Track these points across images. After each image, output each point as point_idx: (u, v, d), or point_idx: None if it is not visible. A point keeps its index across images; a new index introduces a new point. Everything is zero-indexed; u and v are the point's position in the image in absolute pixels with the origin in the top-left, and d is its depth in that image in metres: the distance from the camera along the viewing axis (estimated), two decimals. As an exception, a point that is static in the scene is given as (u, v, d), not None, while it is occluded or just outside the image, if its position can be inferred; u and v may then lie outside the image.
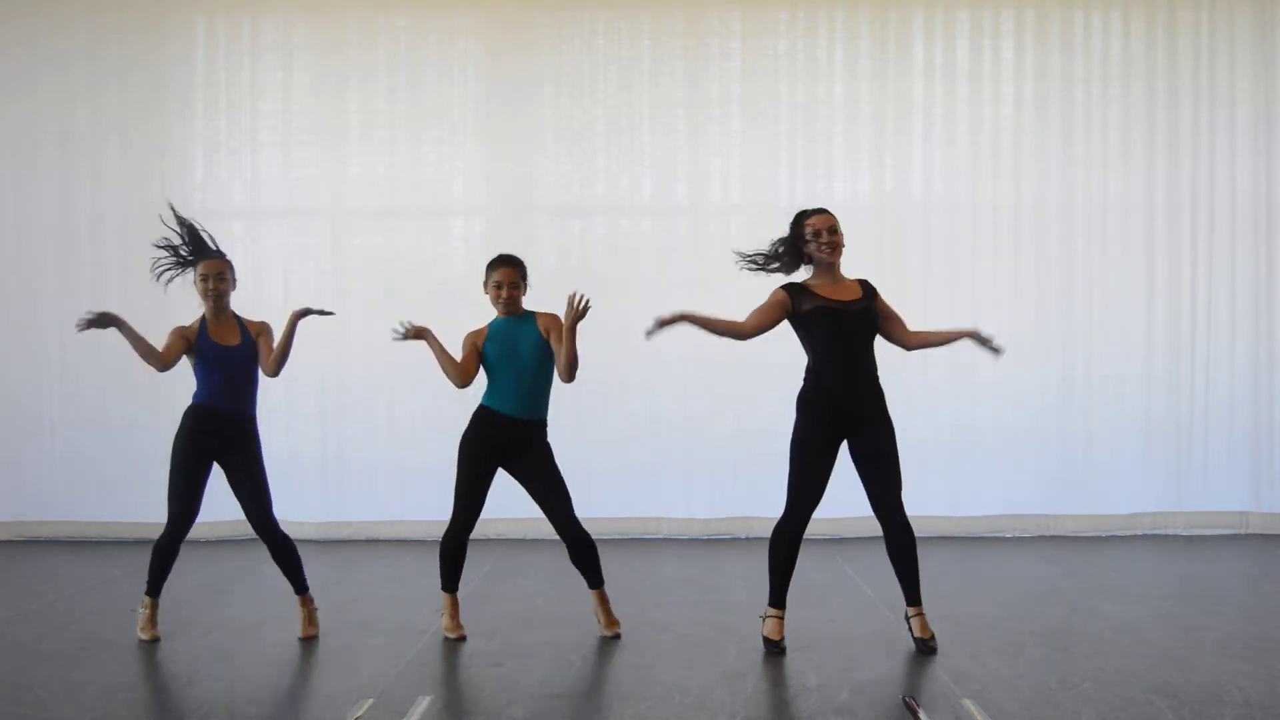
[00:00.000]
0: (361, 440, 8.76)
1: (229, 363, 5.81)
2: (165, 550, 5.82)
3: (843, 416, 5.45)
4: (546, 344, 5.80)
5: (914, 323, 8.67)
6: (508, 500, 8.73)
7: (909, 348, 5.72)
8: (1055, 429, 8.78)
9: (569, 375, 5.75)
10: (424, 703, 4.71)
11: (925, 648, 5.45)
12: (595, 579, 5.88)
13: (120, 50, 8.78)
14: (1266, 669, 5.13)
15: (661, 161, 8.82)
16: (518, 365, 5.78)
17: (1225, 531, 8.78)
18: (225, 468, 5.88)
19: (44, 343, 8.79)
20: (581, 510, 5.85)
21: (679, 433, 8.75)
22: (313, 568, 7.75)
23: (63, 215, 8.81)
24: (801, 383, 5.56)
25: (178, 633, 5.92)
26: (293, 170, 8.84)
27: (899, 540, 5.54)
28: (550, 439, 5.90)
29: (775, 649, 5.48)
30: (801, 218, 5.62)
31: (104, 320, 5.72)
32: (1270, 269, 8.81)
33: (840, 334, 5.44)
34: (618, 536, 8.68)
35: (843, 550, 8.17)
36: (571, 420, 9.02)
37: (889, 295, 5.74)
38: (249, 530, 5.98)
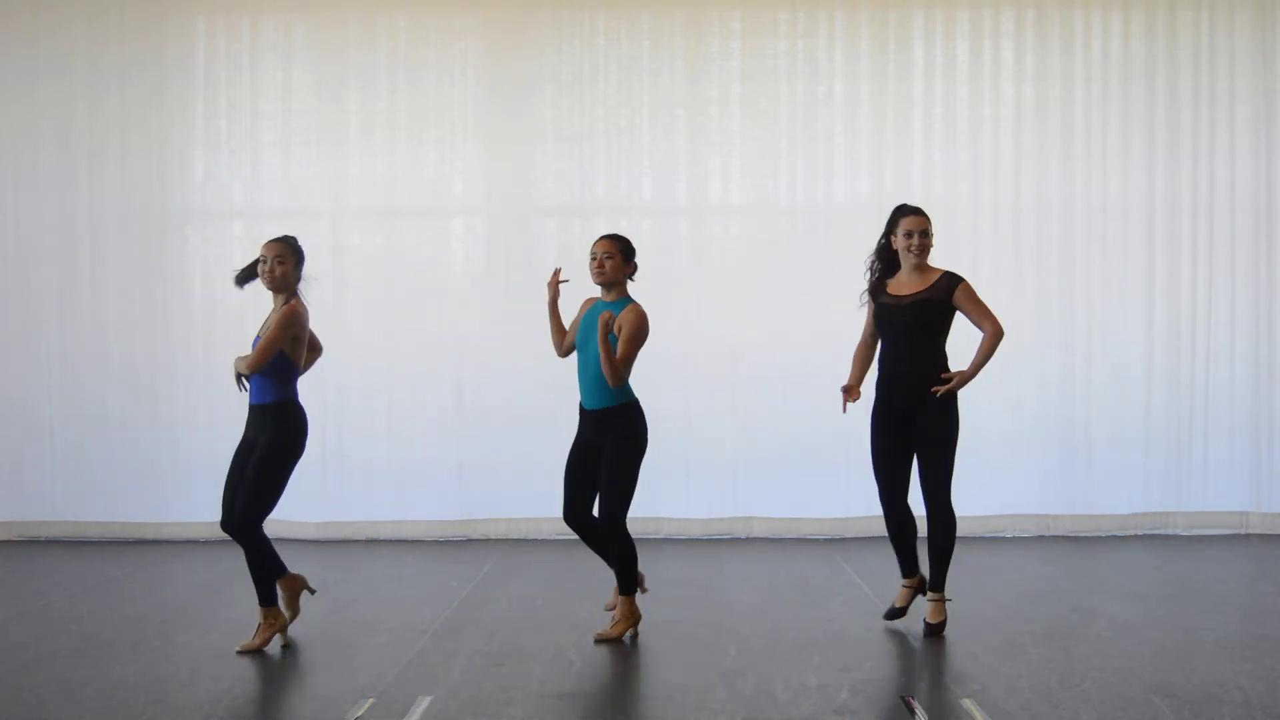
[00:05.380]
0: (361, 440, 8.76)
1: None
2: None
3: (898, 405, 5.76)
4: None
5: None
6: (508, 500, 8.80)
7: None
8: (1055, 429, 8.78)
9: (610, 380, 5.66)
10: (424, 703, 4.72)
11: (927, 631, 5.71)
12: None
13: (120, 50, 8.78)
14: (1266, 669, 5.13)
15: (661, 161, 8.82)
16: (586, 352, 5.77)
17: (1225, 531, 8.78)
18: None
19: (44, 343, 8.79)
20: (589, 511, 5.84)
21: (679, 433, 8.74)
22: (312, 567, 7.78)
23: (63, 215, 8.80)
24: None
25: (178, 633, 5.93)
26: (293, 170, 8.83)
27: (932, 527, 5.77)
28: (565, 435, 5.94)
29: (894, 614, 5.94)
30: (897, 215, 5.84)
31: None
32: (1270, 269, 8.80)
33: (888, 329, 5.78)
34: (618, 536, 8.69)
35: (843, 550, 8.17)
36: (571, 420, 9.04)
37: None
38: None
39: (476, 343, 8.74)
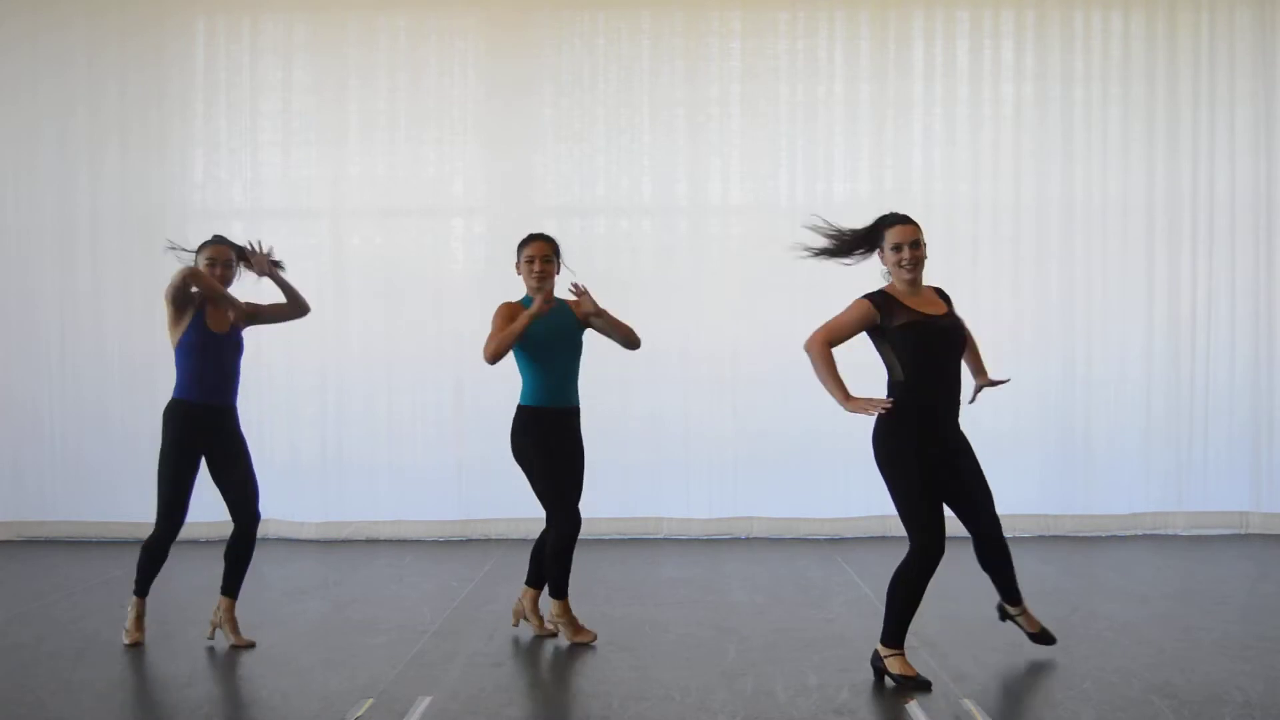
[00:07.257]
0: (361, 440, 8.76)
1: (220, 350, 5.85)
2: (153, 549, 5.71)
3: (930, 440, 4.96)
4: (582, 331, 5.83)
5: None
6: (507, 500, 8.78)
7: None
8: (1055, 429, 8.78)
9: (634, 345, 5.88)
10: (424, 703, 4.71)
11: (1041, 639, 5.36)
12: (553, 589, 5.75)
13: (120, 50, 8.78)
14: (1266, 669, 5.13)
15: (661, 161, 8.82)
16: (567, 348, 5.76)
17: (1225, 531, 8.78)
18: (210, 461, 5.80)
19: (44, 343, 8.79)
20: (581, 509, 5.82)
21: (679, 433, 8.75)
22: (312, 567, 7.79)
23: (63, 215, 8.80)
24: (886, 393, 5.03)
25: (178, 633, 5.92)
26: (293, 170, 8.83)
27: (1003, 552, 5.20)
28: None
29: (915, 684, 4.84)
30: (883, 225, 5.21)
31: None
32: (1270, 269, 8.80)
33: (936, 348, 4.97)
34: (618, 536, 8.69)
35: (843, 550, 8.17)
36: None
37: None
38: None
39: (476, 343, 8.64)
